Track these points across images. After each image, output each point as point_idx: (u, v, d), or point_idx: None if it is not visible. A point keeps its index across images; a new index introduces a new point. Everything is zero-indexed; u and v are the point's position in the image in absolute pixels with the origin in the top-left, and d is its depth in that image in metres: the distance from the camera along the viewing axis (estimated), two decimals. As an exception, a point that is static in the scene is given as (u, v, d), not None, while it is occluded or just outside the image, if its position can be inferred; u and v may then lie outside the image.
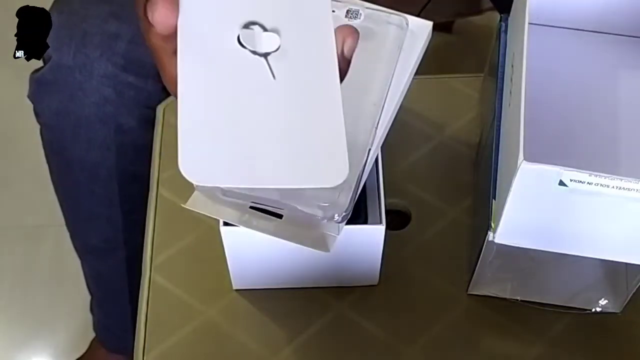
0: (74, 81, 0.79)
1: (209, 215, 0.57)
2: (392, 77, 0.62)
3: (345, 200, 0.55)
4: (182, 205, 0.56)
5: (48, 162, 0.90)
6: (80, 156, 0.84)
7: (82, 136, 0.82)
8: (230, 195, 0.56)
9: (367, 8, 0.66)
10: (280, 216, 0.56)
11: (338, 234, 0.55)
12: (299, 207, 0.55)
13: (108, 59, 0.78)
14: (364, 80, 0.62)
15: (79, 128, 0.81)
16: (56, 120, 0.82)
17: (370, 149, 0.58)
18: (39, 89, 0.81)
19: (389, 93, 0.61)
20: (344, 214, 0.55)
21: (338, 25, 0.62)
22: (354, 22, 0.65)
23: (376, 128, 0.59)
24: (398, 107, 0.62)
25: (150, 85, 0.80)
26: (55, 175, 0.91)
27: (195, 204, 0.57)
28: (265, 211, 0.56)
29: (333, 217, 0.55)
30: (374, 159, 0.60)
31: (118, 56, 0.79)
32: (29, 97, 0.83)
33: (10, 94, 0.86)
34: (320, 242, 0.55)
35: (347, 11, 0.66)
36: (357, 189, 0.57)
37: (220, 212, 0.57)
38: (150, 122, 0.83)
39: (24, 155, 0.98)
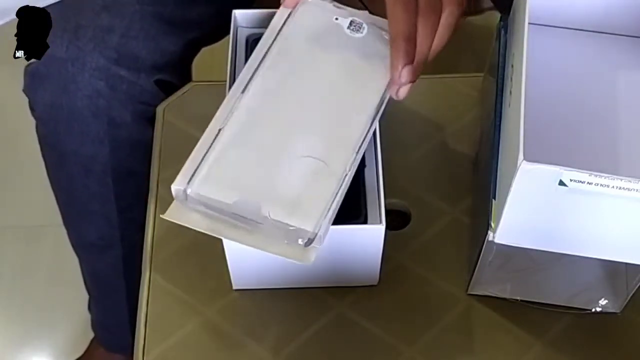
0: (66, 74, 0.79)
1: (189, 226, 0.56)
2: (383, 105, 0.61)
3: (312, 226, 0.55)
4: (161, 216, 0.56)
5: (43, 157, 0.90)
6: (74, 150, 0.84)
7: (75, 129, 0.82)
8: (210, 208, 0.56)
9: (370, 23, 0.65)
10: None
11: (320, 245, 0.55)
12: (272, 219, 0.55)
13: (100, 52, 0.79)
14: (354, 99, 0.61)
15: (73, 121, 0.81)
16: (50, 113, 0.82)
17: (346, 175, 0.57)
18: (32, 81, 0.82)
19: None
20: (308, 238, 0.54)
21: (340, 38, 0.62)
22: (356, 35, 0.64)
23: (357, 152, 0.58)
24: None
25: (142, 80, 0.81)
26: (50, 171, 0.91)
27: (174, 214, 0.56)
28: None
29: (297, 241, 0.54)
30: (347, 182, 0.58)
31: (110, 49, 0.79)
32: (24, 90, 0.83)
33: (10, 94, 0.85)
34: (302, 253, 0.55)
35: (351, 22, 0.65)
36: (330, 214, 0.55)
37: (200, 223, 0.56)
38: (145, 119, 0.83)
39: (23, 155, 0.98)
